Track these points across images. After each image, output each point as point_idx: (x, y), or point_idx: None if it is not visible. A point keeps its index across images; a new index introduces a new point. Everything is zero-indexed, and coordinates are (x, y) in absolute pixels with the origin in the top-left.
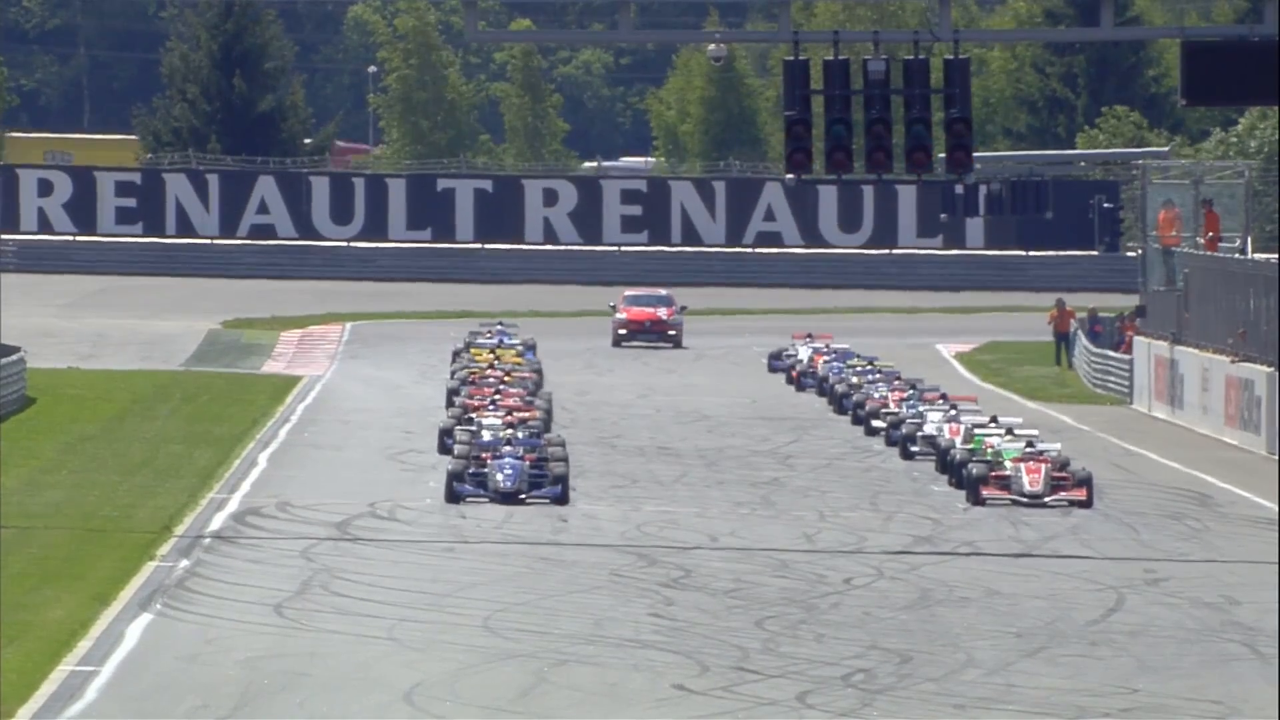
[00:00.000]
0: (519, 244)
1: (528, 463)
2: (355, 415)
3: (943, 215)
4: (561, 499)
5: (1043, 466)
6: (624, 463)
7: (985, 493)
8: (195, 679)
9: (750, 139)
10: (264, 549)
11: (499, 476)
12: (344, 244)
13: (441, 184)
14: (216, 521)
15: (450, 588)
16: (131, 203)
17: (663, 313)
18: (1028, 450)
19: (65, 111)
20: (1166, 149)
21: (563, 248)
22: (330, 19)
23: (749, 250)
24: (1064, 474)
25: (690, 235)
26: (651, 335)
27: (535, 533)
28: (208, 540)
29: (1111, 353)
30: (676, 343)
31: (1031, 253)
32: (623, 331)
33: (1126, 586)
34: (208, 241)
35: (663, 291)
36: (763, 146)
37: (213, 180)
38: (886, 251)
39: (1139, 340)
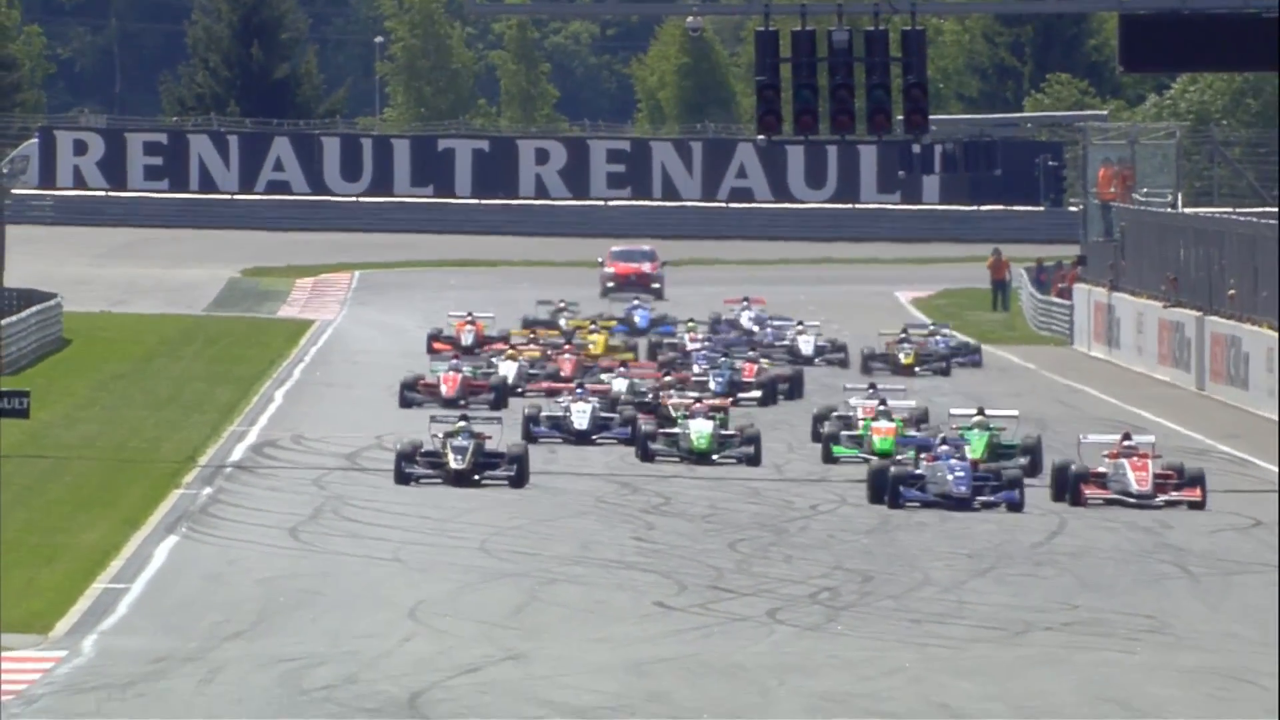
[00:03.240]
0: (513, 199)
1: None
2: (363, 356)
3: (901, 173)
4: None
5: (1149, 463)
6: None
7: (1088, 492)
8: (217, 596)
9: (722, 103)
10: (280, 478)
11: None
12: (353, 199)
13: (442, 144)
14: (237, 453)
15: (449, 514)
16: (158, 161)
17: (647, 267)
18: (1125, 445)
19: (98, 79)
20: (1105, 112)
21: (553, 202)
22: None
23: (723, 205)
24: (1169, 471)
25: (669, 191)
26: (637, 288)
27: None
28: (229, 470)
29: (1055, 298)
30: (659, 294)
31: (982, 207)
32: (610, 284)
33: (1068, 512)
34: (228, 197)
35: (646, 247)
36: (734, 109)
37: (233, 141)
38: (849, 206)
39: (1079, 287)
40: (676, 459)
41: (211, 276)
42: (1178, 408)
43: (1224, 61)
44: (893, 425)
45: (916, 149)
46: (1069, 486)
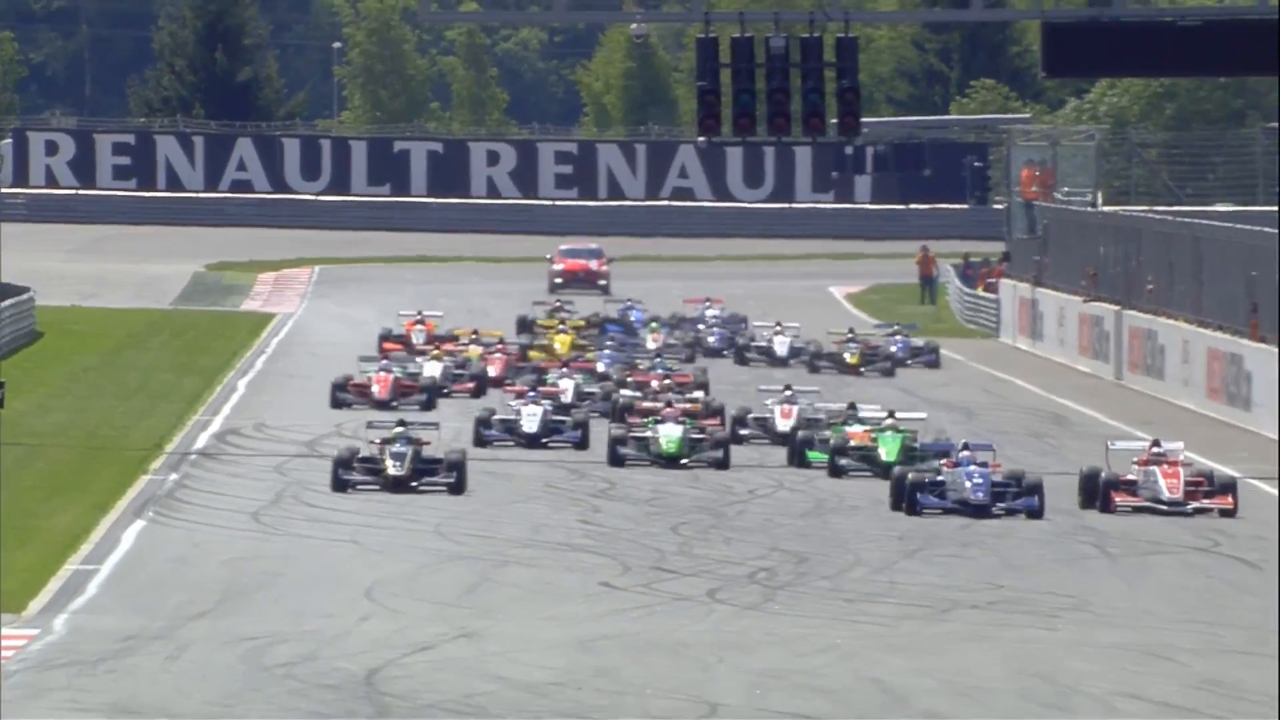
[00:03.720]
0: (466, 198)
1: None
2: (322, 348)
3: (834, 173)
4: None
5: (1180, 471)
6: None
7: (1118, 499)
8: (183, 577)
9: (665, 106)
10: (243, 464)
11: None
12: (312, 197)
13: (398, 145)
14: (202, 440)
15: (406, 498)
16: (127, 161)
17: (594, 264)
18: (1154, 452)
19: (69, 82)
20: (1028, 116)
21: (504, 201)
22: (301, 1)
23: (666, 204)
24: (1199, 478)
25: (614, 191)
26: (583, 284)
27: (479, 450)
28: (194, 457)
29: (981, 293)
30: (605, 290)
31: (911, 206)
32: (559, 280)
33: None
34: (193, 195)
35: (593, 245)
36: (676, 113)
37: (198, 141)
38: (785, 205)
39: (1004, 282)
40: (647, 462)
41: (177, 272)
42: (1097, 397)
43: (1141, 68)
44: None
45: (849, 150)
46: (1098, 494)
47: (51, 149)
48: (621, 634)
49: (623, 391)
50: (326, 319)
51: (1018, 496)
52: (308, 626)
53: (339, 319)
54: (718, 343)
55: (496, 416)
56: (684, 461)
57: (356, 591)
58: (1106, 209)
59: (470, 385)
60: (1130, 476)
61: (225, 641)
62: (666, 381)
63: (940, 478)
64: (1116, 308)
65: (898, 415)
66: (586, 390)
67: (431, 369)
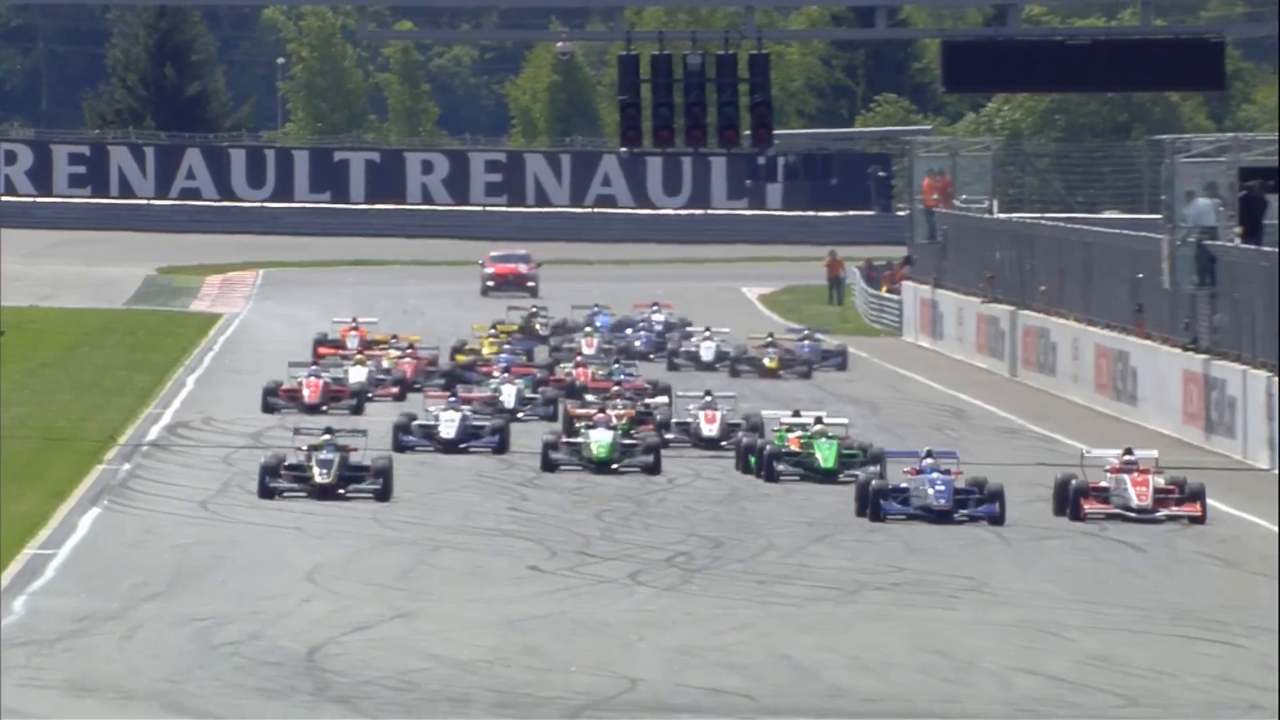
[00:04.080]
0: (402, 204)
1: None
2: (267, 345)
3: (748, 181)
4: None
5: (1149, 478)
6: None
7: (1087, 507)
8: (136, 561)
9: (588, 118)
10: (192, 455)
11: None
12: (258, 204)
13: (338, 155)
14: (153, 432)
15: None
16: (82, 170)
17: (523, 268)
18: (1126, 460)
19: (26, 95)
20: (929, 128)
21: (437, 208)
22: (246, 20)
23: (589, 210)
24: (1171, 486)
25: (541, 198)
26: (514, 287)
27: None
28: (146, 448)
29: (885, 294)
30: (534, 292)
31: (819, 213)
32: (490, 283)
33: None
34: (145, 202)
35: (522, 250)
36: (599, 125)
37: (149, 152)
38: (702, 212)
39: (907, 284)
40: (579, 468)
41: (130, 274)
42: (993, 391)
43: (1034, 84)
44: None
45: (762, 160)
46: (1069, 501)
47: (10, 158)
48: (548, 614)
49: (570, 399)
50: (270, 319)
51: (979, 503)
52: (252, 608)
53: (282, 319)
54: (644, 347)
55: (416, 422)
56: (614, 466)
57: (298, 575)
58: (1002, 216)
59: (394, 390)
60: (1104, 484)
61: (175, 622)
62: (616, 388)
63: (904, 485)
64: (1011, 308)
65: (825, 421)
66: (528, 395)
67: (357, 374)
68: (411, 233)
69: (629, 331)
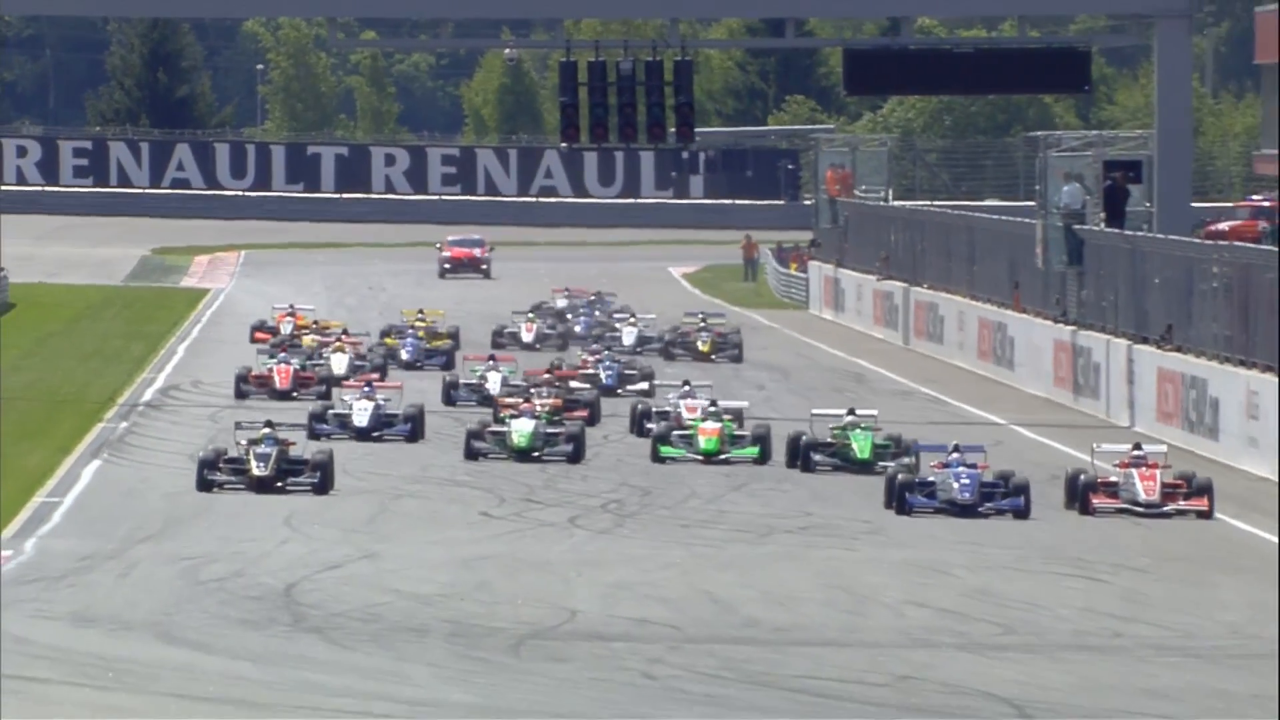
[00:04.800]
0: (368, 194)
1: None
2: (249, 317)
3: (673, 173)
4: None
5: (1157, 473)
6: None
7: (1096, 501)
8: (131, 508)
9: (533, 117)
10: (182, 414)
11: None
12: (240, 193)
13: (311, 150)
14: (147, 394)
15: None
16: (85, 162)
17: (477, 251)
18: (1135, 455)
19: (36, 97)
20: (832, 127)
21: (399, 197)
22: (229, 30)
23: (534, 199)
24: (1179, 480)
25: (491, 188)
26: (468, 269)
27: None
28: (141, 408)
29: (793, 272)
30: (487, 274)
31: (736, 201)
32: (447, 266)
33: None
34: (140, 191)
35: (476, 236)
36: (543, 123)
37: (144, 146)
38: (632, 200)
39: (813, 264)
40: (502, 456)
41: (126, 255)
42: (889, 359)
43: (924, 87)
44: (719, 426)
45: (685, 155)
46: (1078, 495)
47: (21, 152)
48: (497, 554)
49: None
50: (251, 295)
51: (1005, 497)
52: (235, 549)
53: (261, 295)
54: (583, 330)
55: (332, 411)
56: (536, 455)
57: (277, 520)
58: (896, 204)
59: (373, 376)
60: (1114, 478)
61: (166, 561)
62: (547, 375)
63: (931, 479)
64: (904, 285)
65: (857, 413)
66: (514, 383)
67: (338, 362)
68: (376, 219)
69: (569, 317)
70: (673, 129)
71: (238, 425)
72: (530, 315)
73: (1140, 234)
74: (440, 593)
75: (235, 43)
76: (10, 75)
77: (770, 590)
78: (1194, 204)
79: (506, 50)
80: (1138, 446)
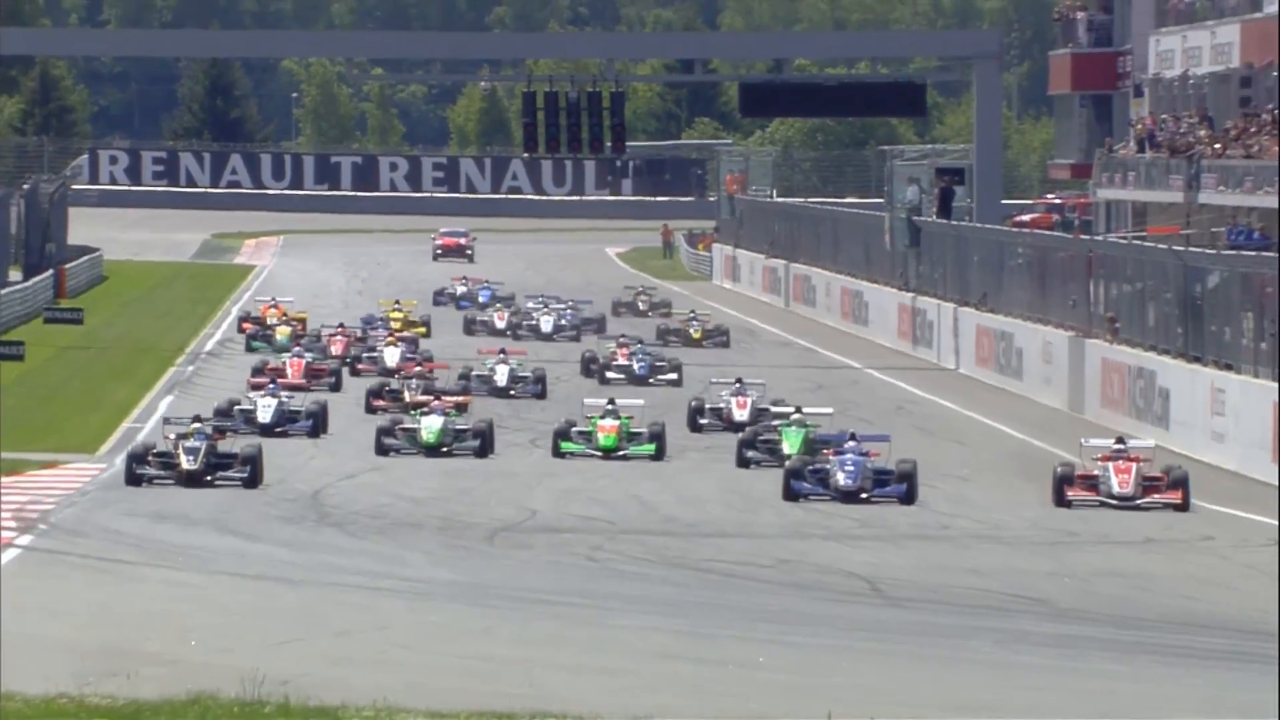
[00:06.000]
0: (376, 192)
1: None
2: (288, 289)
3: (609, 177)
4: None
5: (1133, 466)
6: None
7: (1071, 494)
8: None
9: (504, 133)
10: (234, 360)
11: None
12: (279, 192)
13: (333, 158)
14: (208, 345)
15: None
16: (161, 168)
17: (463, 240)
18: (1115, 448)
19: (124, 117)
20: (731, 141)
21: (400, 195)
22: (271, 67)
23: (504, 196)
24: (1157, 475)
25: (470, 188)
26: (457, 254)
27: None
28: (203, 355)
29: (701, 252)
30: (470, 258)
31: (657, 198)
32: (439, 251)
33: (705, 388)
34: (203, 190)
35: (462, 229)
36: (511, 138)
37: (206, 156)
38: (579, 197)
39: (716, 246)
40: (412, 452)
41: (192, 239)
42: (773, 318)
43: (800, 111)
44: (617, 423)
45: (618, 163)
46: (1053, 487)
47: (113, 160)
48: (474, 469)
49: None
50: (288, 270)
51: (885, 485)
52: (276, 463)
53: (297, 270)
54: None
55: (238, 407)
56: (445, 450)
57: (306, 441)
58: (779, 200)
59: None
60: (1095, 472)
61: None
62: (418, 368)
63: (826, 466)
64: (785, 262)
65: (804, 410)
66: (520, 374)
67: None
68: (382, 212)
69: (530, 306)
70: (609, 143)
71: (166, 421)
72: (498, 305)
73: (963, 224)
74: (431, 496)
75: (276, 76)
76: (105, 101)
77: (682, 494)
78: (1003, 201)
79: (482, 83)
80: (1120, 441)
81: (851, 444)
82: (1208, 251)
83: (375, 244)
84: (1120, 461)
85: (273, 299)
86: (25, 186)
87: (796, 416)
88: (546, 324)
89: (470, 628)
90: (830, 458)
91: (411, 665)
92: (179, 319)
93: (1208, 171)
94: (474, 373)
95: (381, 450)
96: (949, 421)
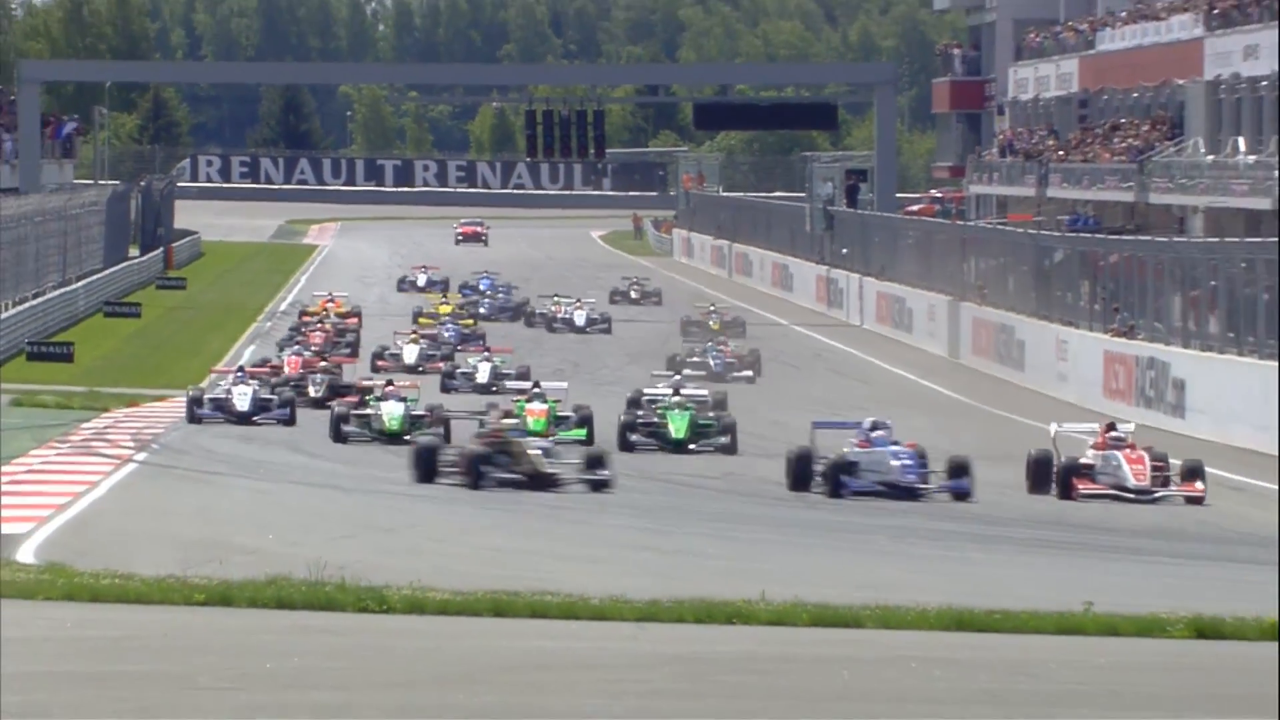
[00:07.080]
0: (413, 188)
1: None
2: (345, 265)
3: (593, 176)
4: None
5: (1145, 455)
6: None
7: (1081, 487)
8: None
9: (512, 142)
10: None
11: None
12: (338, 188)
13: (379, 162)
14: (283, 306)
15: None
16: (246, 169)
17: (479, 229)
18: (1112, 436)
19: (216, 131)
20: (687, 149)
21: (431, 190)
22: (331, 90)
23: (512, 191)
24: (1162, 463)
25: (485, 185)
26: (474, 240)
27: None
28: (278, 313)
29: (664, 235)
30: (485, 243)
31: (630, 193)
32: (460, 238)
33: (663, 342)
34: (278, 186)
35: (479, 219)
36: (517, 146)
37: (280, 160)
38: (570, 192)
39: (677, 230)
40: (369, 439)
41: (270, 224)
42: (719, 286)
43: (742, 125)
44: (545, 407)
45: (600, 165)
46: (1050, 479)
47: (208, 164)
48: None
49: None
50: (345, 250)
51: (945, 477)
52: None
53: (352, 250)
54: (488, 311)
55: (208, 396)
56: (406, 438)
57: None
58: (726, 194)
59: (441, 365)
60: (1087, 460)
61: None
62: (323, 364)
63: (852, 459)
64: (729, 242)
65: (683, 393)
66: (503, 371)
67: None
68: (418, 203)
69: (476, 296)
70: (592, 150)
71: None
72: (412, 335)
73: (867, 212)
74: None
75: (335, 98)
76: (203, 118)
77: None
78: (897, 195)
79: (494, 103)
80: (1112, 427)
81: (880, 434)
82: (1054, 234)
83: (412, 229)
84: (1128, 450)
85: (329, 294)
86: (141, 184)
87: (677, 399)
88: (580, 317)
89: (485, 524)
90: (861, 449)
91: (440, 554)
92: (260, 286)
93: (1054, 172)
94: (458, 370)
95: (340, 438)
96: (857, 366)
